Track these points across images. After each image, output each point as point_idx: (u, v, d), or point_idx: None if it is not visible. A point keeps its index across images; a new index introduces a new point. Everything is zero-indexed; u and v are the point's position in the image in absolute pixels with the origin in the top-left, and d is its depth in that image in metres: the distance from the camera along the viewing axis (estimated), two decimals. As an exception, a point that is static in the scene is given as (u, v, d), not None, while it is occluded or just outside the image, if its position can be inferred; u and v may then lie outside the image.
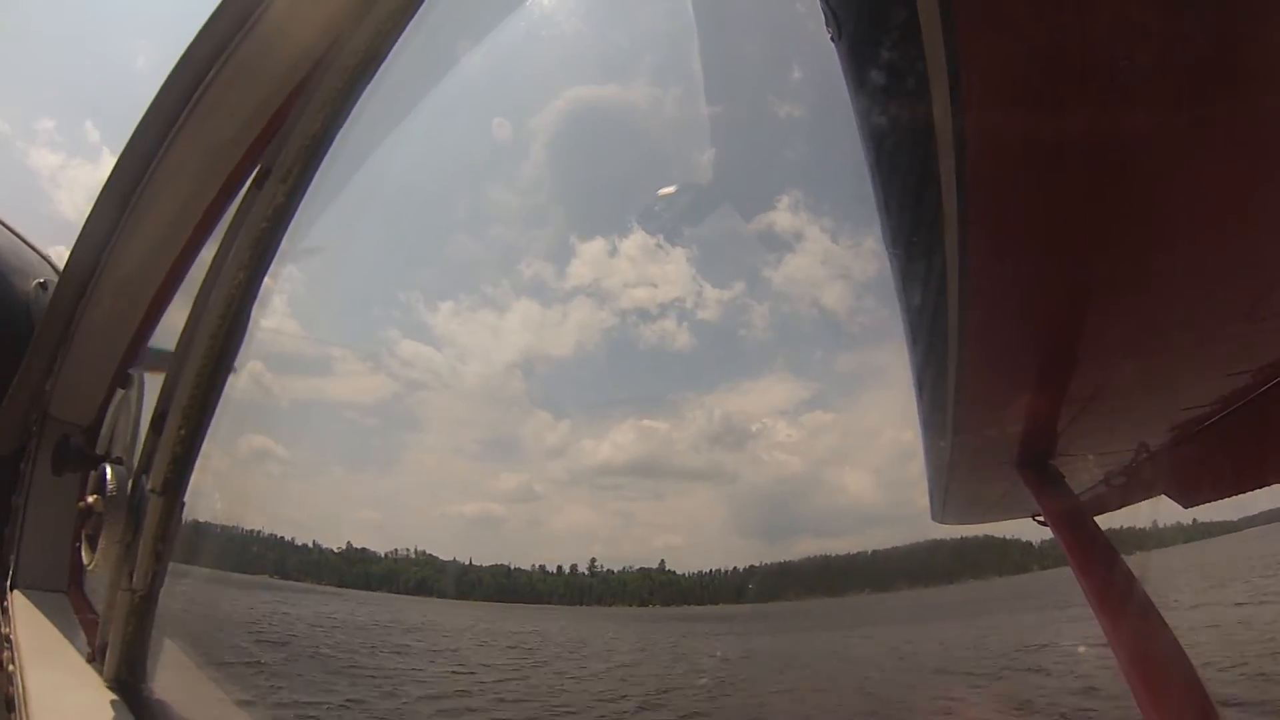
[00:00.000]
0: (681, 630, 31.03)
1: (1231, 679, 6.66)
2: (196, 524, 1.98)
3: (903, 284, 1.66)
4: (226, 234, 1.19)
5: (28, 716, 1.33)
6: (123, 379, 1.96)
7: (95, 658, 1.51)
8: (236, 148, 1.41)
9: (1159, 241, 1.38)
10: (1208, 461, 2.35)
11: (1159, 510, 2.61)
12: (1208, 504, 2.64)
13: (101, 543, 1.39)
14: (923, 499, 3.35)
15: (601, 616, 45.12)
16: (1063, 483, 2.61)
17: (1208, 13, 0.92)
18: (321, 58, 1.08)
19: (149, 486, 1.30)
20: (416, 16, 1.00)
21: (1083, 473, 2.68)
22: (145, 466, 1.34)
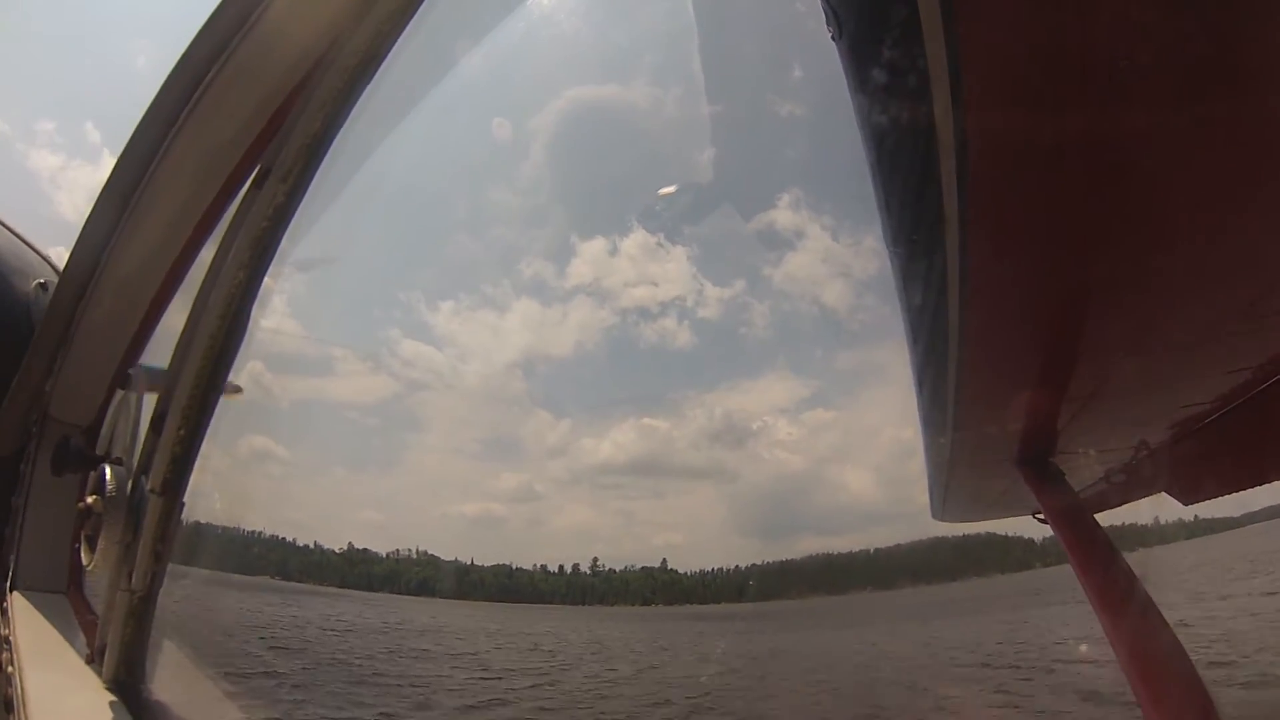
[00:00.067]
0: (695, 630, 30.74)
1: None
2: (196, 524, 1.97)
3: (903, 282, 1.66)
4: (226, 234, 1.19)
5: (27, 718, 1.33)
6: (123, 379, 1.95)
7: (94, 659, 1.51)
8: (236, 148, 1.41)
9: (1159, 241, 1.38)
10: (1208, 459, 2.36)
11: (1159, 507, 2.62)
12: (1208, 501, 2.65)
13: (101, 543, 1.38)
14: (923, 496, 3.35)
15: (607, 616, 44.74)
16: (1063, 480, 2.61)
17: (1208, 13, 0.92)
18: (321, 58, 1.08)
19: (148, 487, 1.29)
20: (416, 17, 1.00)
21: (1083, 470, 2.68)
22: (145, 467, 1.34)
